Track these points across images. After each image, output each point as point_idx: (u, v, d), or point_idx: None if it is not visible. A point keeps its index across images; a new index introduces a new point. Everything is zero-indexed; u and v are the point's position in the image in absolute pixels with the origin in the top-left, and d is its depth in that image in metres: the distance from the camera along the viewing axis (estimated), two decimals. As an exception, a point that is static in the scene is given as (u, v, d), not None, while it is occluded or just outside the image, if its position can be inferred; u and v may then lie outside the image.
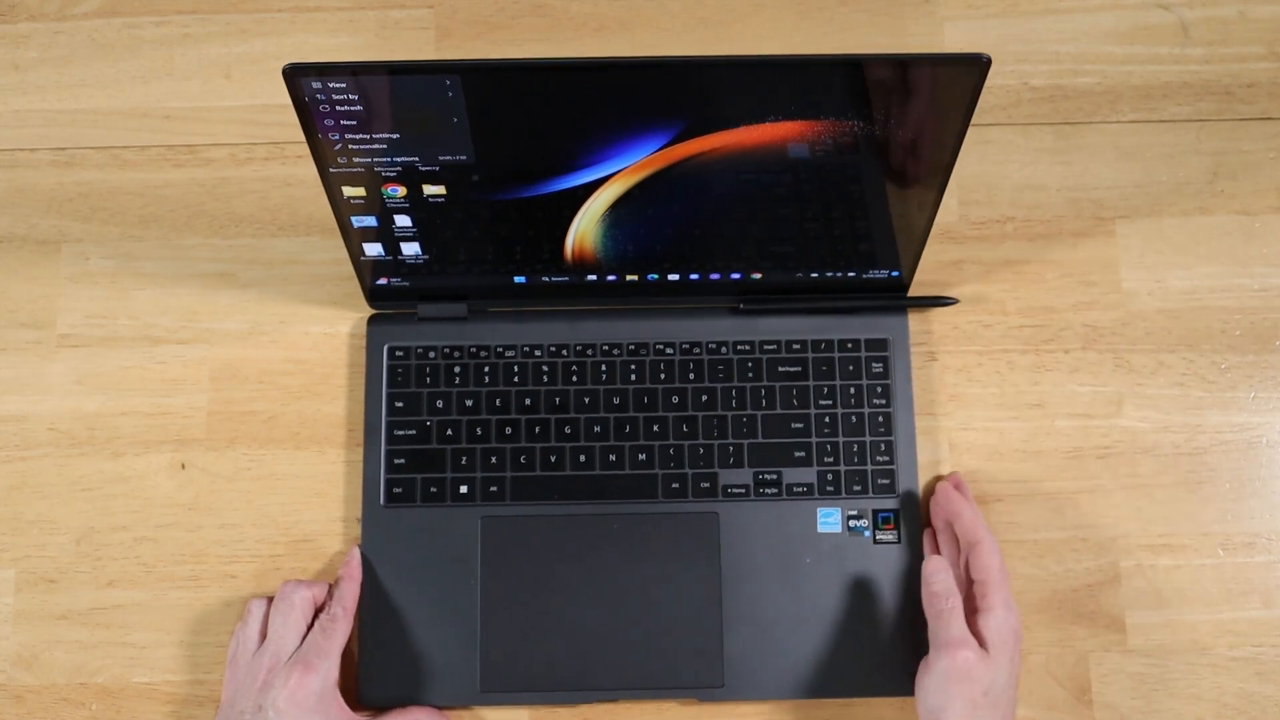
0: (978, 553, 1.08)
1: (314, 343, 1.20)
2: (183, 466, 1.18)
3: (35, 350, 1.20)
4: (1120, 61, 1.25)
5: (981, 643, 1.04)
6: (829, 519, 1.14)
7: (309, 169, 1.03)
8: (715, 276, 1.15)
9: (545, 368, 1.17)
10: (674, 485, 1.15)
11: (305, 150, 0.99)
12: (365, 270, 1.14)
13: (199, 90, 1.26)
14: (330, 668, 1.06)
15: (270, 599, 1.11)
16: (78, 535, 1.17)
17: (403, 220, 1.07)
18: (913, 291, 1.19)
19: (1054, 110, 1.24)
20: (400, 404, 1.16)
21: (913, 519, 1.15)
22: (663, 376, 1.17)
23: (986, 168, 1.23)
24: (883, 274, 1.16)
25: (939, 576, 1.09)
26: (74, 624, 1.16)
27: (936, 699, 1.03)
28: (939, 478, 1.17)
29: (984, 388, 1.19)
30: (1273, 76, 1.24)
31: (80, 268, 1.22)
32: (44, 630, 1.16)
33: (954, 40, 1.25)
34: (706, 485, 1.15)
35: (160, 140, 1.24)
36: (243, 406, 1.20)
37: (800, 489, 1.15)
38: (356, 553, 1.14)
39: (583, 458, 1.15)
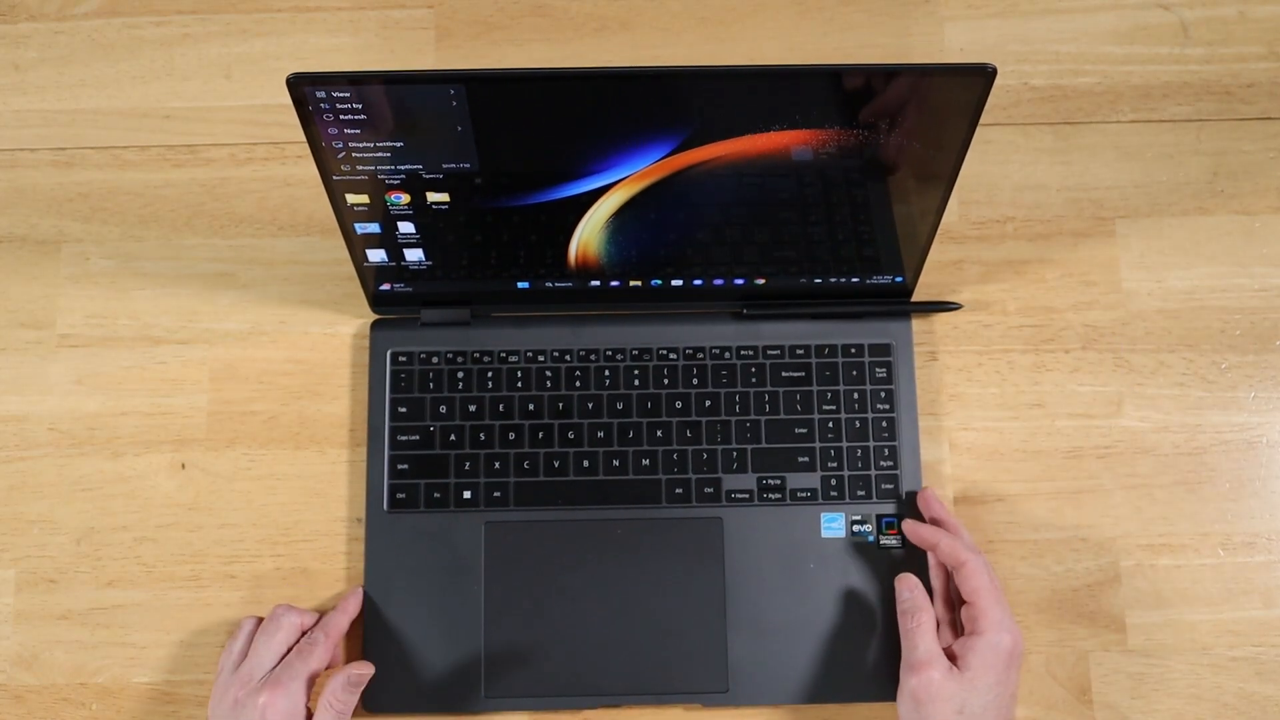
0: (963, 576, 1.07)
1: (314, 343, 1.20)
2: (183, 466, 1.18)
3: (35, 350, 1.20)
4: (1120, 61, 1.25)
5: (957, 661, 1.04)
6: (833, 524, 1.14)
7: (309, 169, 1.03)
8: (719, 282, 1.15)
9: (549, 373, 1.17)
10: (678, 490, 1.15)
11: (305, 150, 0.99)
12: (368, 276, 1.14)
13: (199, 90, 1.25)
14: (300, 689, 1.05)
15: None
16: (78, 535, 1.17)
17: (406, 227, 1.07)
18: (913, 292, 1.19)
19: (1054, 110, 1.24)
20: (403, 409, 1.16)
21: (916, 524, 1.15)
22: (666, 382, 1.17)
23: (986, 168, 1.23)
24: (886, 279, 1.16)
25: (906, 595, 1.09)
26: (74, 624, 1.16)
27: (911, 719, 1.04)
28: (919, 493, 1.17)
29: (984, 388, 1.20)
30: (1273, 76, 1.24)
31: (80, 268, 1.22)
32: (44, 630, 1.16)
33: (954, 40, 1.25)
34: (710, 490, 1.15)
35: (160, 140, 1.24)
36: (243, 406, 1.20)
37: (804, 494, 1.15)
38: (359, 592, 1.14)
39: (586, 463, 1.15)
